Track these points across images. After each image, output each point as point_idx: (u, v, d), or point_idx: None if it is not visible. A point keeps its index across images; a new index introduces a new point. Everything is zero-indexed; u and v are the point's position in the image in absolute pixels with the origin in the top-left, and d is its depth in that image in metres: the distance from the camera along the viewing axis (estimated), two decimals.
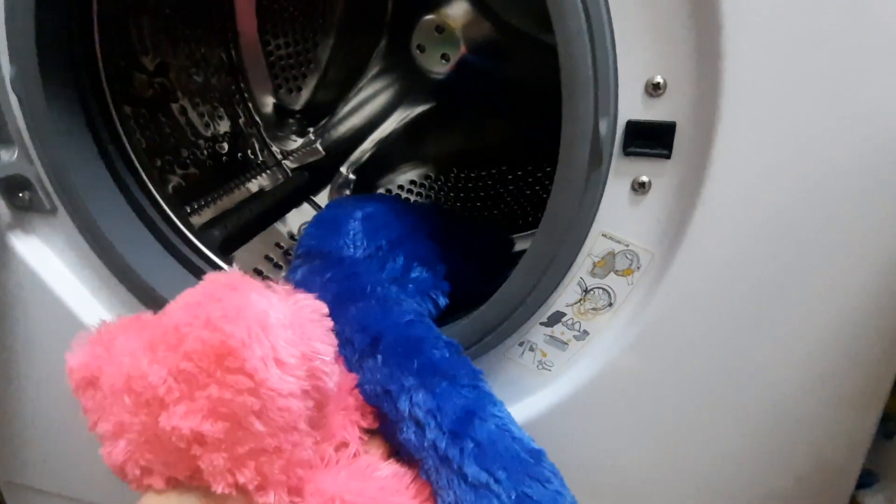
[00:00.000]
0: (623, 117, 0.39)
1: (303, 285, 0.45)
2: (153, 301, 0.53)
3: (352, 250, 0.49)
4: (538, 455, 0.38)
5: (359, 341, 0.41)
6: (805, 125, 0.36)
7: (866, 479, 0.45)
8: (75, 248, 0.54)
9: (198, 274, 0.57)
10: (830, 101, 0.35)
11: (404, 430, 0.39)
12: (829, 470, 0.45)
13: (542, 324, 0.47)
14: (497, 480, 0.36)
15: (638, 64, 0.38)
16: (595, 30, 0.37)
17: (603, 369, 0.45)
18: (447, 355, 0.41)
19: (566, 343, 0.47)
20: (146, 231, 0.56)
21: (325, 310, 0.36)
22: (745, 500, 0.48)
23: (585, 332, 0.46)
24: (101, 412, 0.36)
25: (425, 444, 0.38)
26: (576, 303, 0.45)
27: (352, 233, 0.50)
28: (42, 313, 0.56)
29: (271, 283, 0.36)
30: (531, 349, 0.48)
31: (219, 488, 0.34)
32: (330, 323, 0.36)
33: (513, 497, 0.36)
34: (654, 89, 0.38)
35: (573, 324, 0.46)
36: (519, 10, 0.72)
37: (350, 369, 0.42)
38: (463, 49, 0.75)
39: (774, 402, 0.44)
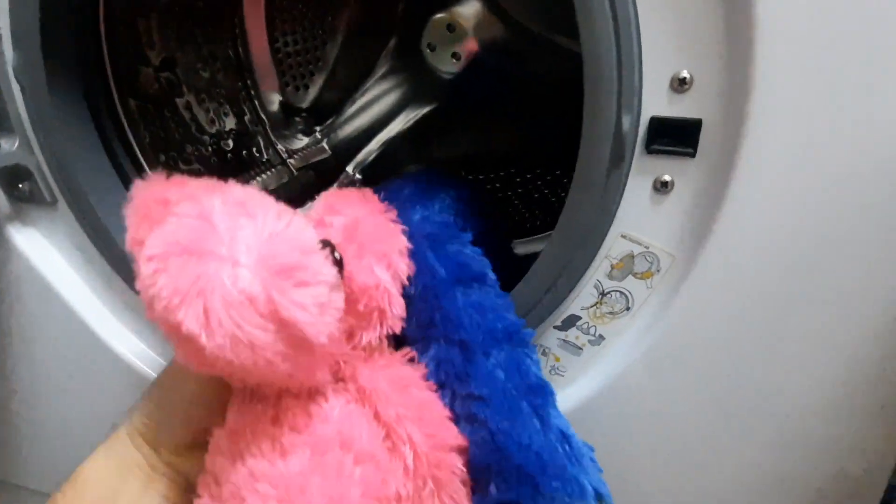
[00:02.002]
0: (647, 113, 0.38)
1: (404, 213, 0.44)
2: None
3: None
4: (591, 449, 0.39)
5: (451, 271, 0.40)
6: (839, 124, 0.35)
7: (891, 495, 0.44)
8: (75, 241, 0.53)
9: None
10: (866, 98, 0.34)
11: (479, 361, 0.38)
12: (853, 486, 0.43)
13: (555, 327, 0.45)
14: (571, 446, 0.36)
15: (664, 58, 0.37)
16: (620, 22, 0.35)
17: (618, 375, 0.44)
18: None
19: (580, 348, 0.45)
20: None
21: (313, 243, 0.32)
22: None
23: (601, 337, 0.44)
24: None
25: (504, 388, 0.38)
26: (592, 306, 0.44)
27: (443, 204, 0.49)
28: (40, 307, 0.55)
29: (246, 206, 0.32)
30: (544, 353, 0.46)
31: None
32: (317, 256, 0.32)
33: (583, 468, 0.36)
34: (679, 84, 0.37)
35: (588, 328, 0.44)
36: (532, 9, 0.71)
37: (422, 286, 0.40)
38: (475, 48, 0.74)
39: (796, 415, 0.42)
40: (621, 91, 0.36)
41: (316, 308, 0.30)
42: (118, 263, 0.52)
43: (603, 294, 0.43)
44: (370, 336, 0.38)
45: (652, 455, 0.46)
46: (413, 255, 0.40)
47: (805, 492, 0.44)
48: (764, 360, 0.41)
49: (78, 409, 0.59)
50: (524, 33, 0.72)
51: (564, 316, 0.45)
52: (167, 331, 0.30)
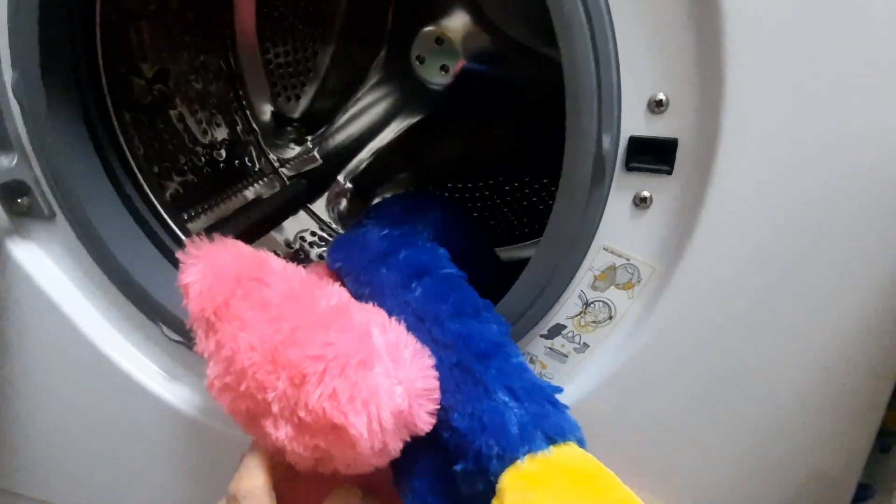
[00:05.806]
0: (626, 133, 0.40)
1: (367, 234, 0.49)
2: (151, 308, 0.53)
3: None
4: (556, 390, 0.39)
5: (402, 276, 0.43)
6: (808, 142, 0.36)
7: (863, 493, 0.45)
8: (73, 254, 0.54)
9: None
10: (834, 117, 0.36)
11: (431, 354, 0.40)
12: (826, 484, 0.45)
13: (542, 336, 0.47)
14: (517, 398, 0.37)
15: (641, 81, 0.38)
16: (599, 47, 0.37)
17: (602, 382, 0.46)
18: (481, 304, 0.42)
19: (566, 355, 0.47)
20: (144, 237, 0.56)
21: (436, 383, 0.38)
22: None
23: (585, 345, 0.46)
24: None
25: (451, 365, 0.39)
26: (576, 315, 0.45)
27: (427, 223, 0.53)
28: (38, 320, 0.55)
29: (398, 346, 0.37)
30: (531, 361, 0.48)
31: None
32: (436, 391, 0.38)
33: (531, 414, 0.37)
34: (656, 106, 0.38)
35: (573, 336, 0.46)
36: (519, 23, 0.72)
37: (383, 302, 0.43)
38: (463, 61, 0.75)
39: (772, 416, 0.44)
40: (601, 113, 0.38)
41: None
42: (115, 275, 0.53)
43: (587, 304, 0.45)
44: None
45: (634, 456, 0.48)
46: (371, 275, 0.45)
47: (780, 490, 0.46)
48: (741, 367, 0.43)
49: (75, 419, 0.60)
50: (511, 45, 0.74)
51: (550, 325, 0.46)
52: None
